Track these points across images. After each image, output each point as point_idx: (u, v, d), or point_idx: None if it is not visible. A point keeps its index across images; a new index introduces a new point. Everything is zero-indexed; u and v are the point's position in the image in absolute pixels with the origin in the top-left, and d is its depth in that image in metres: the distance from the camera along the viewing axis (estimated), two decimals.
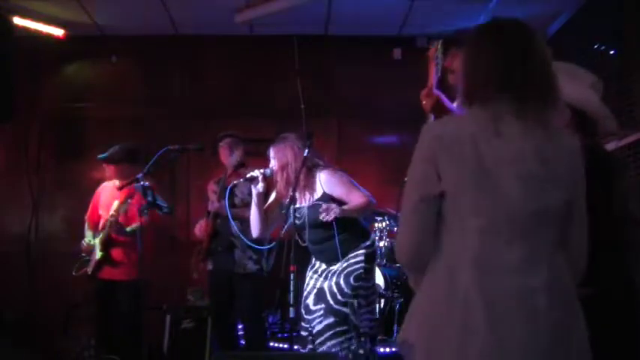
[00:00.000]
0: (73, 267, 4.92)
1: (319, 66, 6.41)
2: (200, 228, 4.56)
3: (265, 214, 3.75)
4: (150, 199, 4.18)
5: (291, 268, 3.38)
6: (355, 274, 3.58)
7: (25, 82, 5.90)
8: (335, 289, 3.56)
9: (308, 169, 3.66)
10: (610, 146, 4.33)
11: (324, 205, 3.48)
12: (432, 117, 2.79)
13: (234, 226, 4.02)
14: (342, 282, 3.57)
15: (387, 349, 4.56)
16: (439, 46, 2.71)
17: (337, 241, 3.57)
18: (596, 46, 5.04)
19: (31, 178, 6.16)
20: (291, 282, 3.38)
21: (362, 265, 3.60)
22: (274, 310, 5.42)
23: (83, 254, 4.90)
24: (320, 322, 3.53)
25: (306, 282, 3.78)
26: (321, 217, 3.47)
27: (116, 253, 4.77)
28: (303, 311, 3.65)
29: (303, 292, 3.73)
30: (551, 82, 1.72)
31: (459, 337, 1.58)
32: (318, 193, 3.66)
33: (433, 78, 2.75)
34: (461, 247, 1.64)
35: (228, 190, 3.92)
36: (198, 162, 5.78)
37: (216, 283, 4.60)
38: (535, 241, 1.64)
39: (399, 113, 5.98)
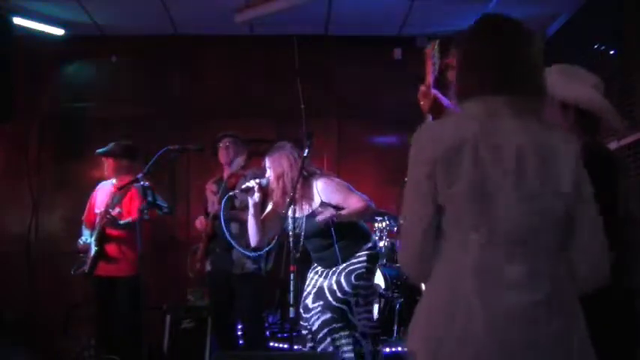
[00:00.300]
0: (72, 267, 4.93)
1: (319, 66, 6.41)
2: (201, 222, 4.55)
3: (262, 224, 3.73)
4: (150, 199, 4.18)
5: (291, 268, 3.38)
6: (356, 272, 3.59)
7: (25, 82, 5.88)
8: (335, 287, 3.58)
9: (304, 179, 3.64)
10: (610, 146, 4.34)
11: (320, 209, 3.49)
12: (429, 117, 2.78)
13: (232, 230, 4.01)
14: (342, 280, 3.58)
15: (387, 349, 4.56)
16: (436, 45, 2.71)
17: (337, 248, 3.57)
18: (596, 46, 5.04)
19: (31, 178, 6.16)
20: (291, 282, 3.38)
21: (364, 264, 3.62)
22: (274, 310, 5.43)
23: (80, 254, 4.91)
24: (318, 319, 3.54)
25: (307, 282, 3.79)
26: (317, 219, 3.47)
27: (111, 248, 4.78)
28: (302, 310, 3.66)
29: (303, 292, 3.74)
30: (543, 80, 1.71)
31: (461, 345, 1.57)
32: (316, 202, 3.66)
33: (430, 77, 2.75)
34: (462, 257, 1.62)
35: (224, 202, 3.90)
36: (198, 162, 5.77)
37: (215, 283, 4.60)
38: (536, 253, 1.61)
39: (399, 113, 5.96)
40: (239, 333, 4.72)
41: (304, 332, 3.66)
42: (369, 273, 3.68)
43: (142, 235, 4.26)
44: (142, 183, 4.13)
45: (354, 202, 3.59)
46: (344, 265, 3.62)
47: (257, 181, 3.68)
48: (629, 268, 2.14)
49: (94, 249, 4.77)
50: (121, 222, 4.74)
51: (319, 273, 3.75)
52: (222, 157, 4.63)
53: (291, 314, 3.42)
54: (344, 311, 3.54)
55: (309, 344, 3.61)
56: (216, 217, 4.44)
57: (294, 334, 3.74)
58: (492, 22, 1.77)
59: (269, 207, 3.80)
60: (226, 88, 6.39)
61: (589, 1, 5.23)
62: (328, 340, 3.49)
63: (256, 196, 3.65)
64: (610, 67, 4.86)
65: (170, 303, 5.26)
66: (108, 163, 4.92)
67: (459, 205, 1.62)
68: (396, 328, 4.89)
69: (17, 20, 5.50)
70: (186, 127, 6.03)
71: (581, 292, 1.67)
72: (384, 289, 5.00)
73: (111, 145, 4.90)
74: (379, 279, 4.95)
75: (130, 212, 4.84)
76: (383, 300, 4.95)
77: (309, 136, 3.64)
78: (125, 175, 4.82)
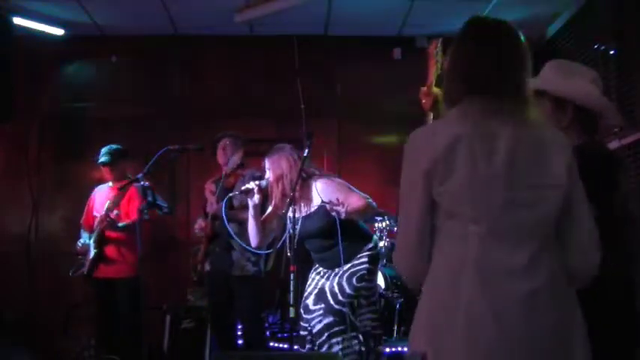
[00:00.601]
0: (70, 269, 4.93)
1: (319, 66, 6.40)
2: (199, 226, 4.55)
3: (263, 225, 3.74)
4: (150, 199, 4.19)
5: (291, 268, 3.38)
6: (358, 274, 3.58)
7: (25, 82, 5.88)
8: (336, 289, 3.57)
9: (303, 180, 3.64)
10: (611, 146, 4.34)
11: (329, 206, 3.49)
12: (431, 116, 2.78)
13: (231, 230, 4.02)
14: (344, 282, 3.57)
15: (387, 349, 4.56)
16: (439, 44, 2.70)
17: (340, 247, 3.55)
18: (596, 46, 5.04)
19: (31, 179, 6.16)
20: (291, 282, 3.38)
21: (365, 266, 3.61)
22: (274, 310, 5.42)
23: (79, 256, 4.91)
24: (320, 322, 3.54)
25: (308, 282, 3.78)
26: (330, 210, 3.47)
27: (110, 250, 4.80)
28: (302, 311, 3.66)
29: (304, 292, 3.73)
30: (528, 80, 1.75)
31: (465, 340, 1.59)
32: (315, 203, 3.66)
33: (432, 76, 2.75)
34: (462, 253, 1.65)
35: (224, 202, 3.91)
36: (198, 162, 5.77)
37: (214, 284, 4.59)
38: (532, 243, 1.65)
39: (399, 113, 5.98)
40: (239, 333, 4.72)
41: (303, 333, 3.65)
42: (371, 274, 3.67)
43: (142, 235, 4.26)
44: (141, 183, 4.13)
45: (355, 201, 3.59)
46: (346, 266, 3.61)
47: (257, 182, 3.69)
48: (628, 267, 2.14)
49: (93, 251, 4.77)
50: (120, 224, 4.76)
51: (321, 274, 3.74)
52: (220, 157, 4.63)
53: (291, 314, 3.42)
54: (346, 314, 3.53)
55: (308, 345, 3.61)
56: (215, 217, 4.44)
57: (294, 334, 3.73)
58: (479, 24, 1.83)
59: (269, 208, 3.80)
60: (226, 88, 6.38)
61: (589, 1, 5.23)
62: (329, 343, 3.49)
63: (256, 197, 3.65)
64: (610, 67, 4.86)
65: (170, 303, 5.25)
66: (105, 171, 4.97)
67: (457, 198, 1.65)
68: (396, 328, 4.89)
69: (17, 20, 5.50)
70: (186, 127, 6.03)
71: (573, 282, 1.71)
72: (384, 289, 5.00)
73: (106, 153, 4.90)
74: (379, 279, 4.94)
75: (128, 213, 4.86)
76: (383, 300, 4.95)
77: (309, 136, 3.63)
78: (123, 177, 4.87)
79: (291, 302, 3.39)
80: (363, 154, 6.30)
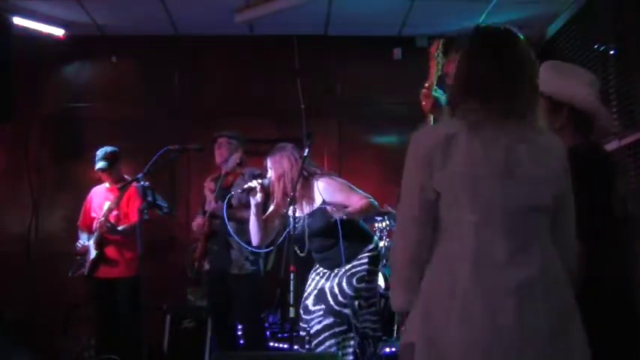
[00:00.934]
0: (70, 269, 4.93)
1: (319, 66, 6.40)
2: (197, 224, 4.55)
3: (265, 224, 3.75)
4: (150, 199, 4.18)
5: (291, 268, 3.38)
6: (358, 275, 3.58)
7: (25, 82, 5.89)
8: (336, 290, 3.57)
9: (304, 179, 3.65)
10: (610, 146, 4.33)
11: (329, 208, 3.50)
12: (431, 117, 2.79)
13: (231, 229, 4.03)
14: (344, 283, 3.57)
15: (387, 349, 4.56)
16: (440, 44, 2.71)
17: (342, 247, 3.56)
18: (596, 46, 5.04)
19: (31, 178, 6.16)
20: (292, 282, 3.38)
21: (365, 267, 3.61)
22: (274, 310, 5.42)
23: (78, 257, 4.91)
24: (319, 322, 3.53)
25: (308, 283, 3.79)
26: (329, 212, 3.48)
27: (111, 251, 4.81)
28: (301, 311, 3.66)
29: (304, 293, 3.73)
30: (531, 87, 1.80)
31: (461, 329, 1.62)
32: (317, 202, 3.67)
33: (433, 76, 2.75)
34: (459, 245, 1.69)
35: (226, 200, 3.93)
36: (198, 162, 5.77)
37: (213, 283, 4.58)
38: (527, 234, 1.70)
39: (399, 113, 5.98)
40: (239, 333, 4.71)
41: (302, 333, 3.65)
42: (371, 275, 3.67)
43: (142, 235, 4.27)
44: (141, 183, 4.13)
45: (356, 201, 3.59)
46: (346, 267, 3.61)
47: (259, 181, 3.70)
48: (626, 267, 2.14)
49: (94, 252, 4.77)
50: (120, 228, 4.76)
51: (321, 274, 3.74)
52: (217, 156, 4.64)
53: (291, 314, 3.42)
54: (346, 315, 3.53)
55: (307, 346, 3.60)
56: (214, 215, 4.44)
57: (294, 334, 3.73)
58: (483, 31, 1.88)
59: (271, 207, 3.81)
60: (226, 88, 6.38)
61: (589, 1, 5.23)
62: (327, 343, 3.49)
63: (259, 196, 3.67)
64: (610, 67, 4.86)
65: (170, 303, 5.26)
66: (103, 176, 5.00)
67: (454, 187, 1.70)
68: (396, 328, 4.89)
69: (17, 20, 5.50)
70: (186, 127, 6.03)
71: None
72: (384, 289, 5.00)
73: (102, 159, 4.91)
74: (380, 279, 4.94)
75: (128, 214, 4.86)
76: (383, 300, 4.95)
77: (309, 136, 3.66)
78: (120, 178, 4.89)
79: (291, 302, 3.39)
80: (364, 154, 6.30)
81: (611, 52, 4.86)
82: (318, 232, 3.64)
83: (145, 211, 4.21)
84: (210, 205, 4.48)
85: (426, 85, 2.77)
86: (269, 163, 3.78)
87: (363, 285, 3.59)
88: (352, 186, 3.72)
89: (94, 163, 4.99)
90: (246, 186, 3.75)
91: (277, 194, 3.73)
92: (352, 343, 3.52)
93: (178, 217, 5.85)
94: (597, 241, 2.01)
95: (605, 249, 2.04)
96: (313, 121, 6.09)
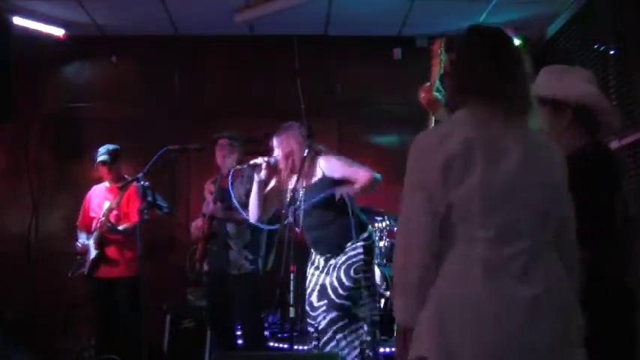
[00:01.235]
0: (69, 269, 4.92)
1: (319, 66, 6.41)
2: (196, 226, 4.55)
3: (264, 201, 3.84)
4: (150, 199, 4.18)
5: (291, 267, 3.39)
6: (355, 266, 3.62)
7: (25, 82, 5.89)
8: (336, 284, 3.60)
9: (311, 157, 3.72)
10: (611, 146, 4.33)
11: (338, 194, 3.57)
12: (431, 116, 2.79)
13: (230, 228, 4.04)
14: (342, 275, 3.60)
15: (387, 349, 4.55)
16: (442, 43, 2.71)
17: (352, 221, 3.62)
18: (596, 46, 5.04)
19: (31, 178, 6.16)
20: (292, 282, 3.39)
21: (361, 257, 3.65)
22: (274, 310, 5.42)
23: (78, 256, 4.91)
24: (324, 318, 3.58)
25: (308, 279, 3.80)
26: (335, 193, 3.57)
27: (111, 251, 4.81)
28: (307, 308, 3.70)
29: (305, 290, 3.76)
30: (528, 87, 1.80)
31: (471, 337, 1.60)
32: (317, 177, 3.74)
33: (436, 74, 2.75)
34: (470, 256, 1.65)
35: (230, 178, 4.04)
36: (198, 162, 5.77)
37: (212, 284, 4.57)
38: (537, 249, 1.67)
39: (399, 113, 5.98)
40: (238, 333, 4.71)
41: (311, 330, 3.68)
42: (368, 264, 3.71)
43: (142, 235, 4.27)
44: (141, 183, 4.13)
45: (362, 175, 3.66)
46: (342, 259, 3.63)
47: (265, 159, 3.76)
48: (628, 268, 2.14)
49: (94, 252, 4.77)
50: (121, 228, 4.76)
51: (319, 268, 3.76)
52: (217, 157, 4.64)
53: (291, 314, 3.43)
54: (349, 307, 3.57)
55: (314, 342, 3.62)
56: (212, 217, 4.44)
57: (294, 334, 3.74)
58: (480, 31, 1.87)
59: (271, 184, 3.89)
60: (226, 88, 6.38)
61: (589, 1, 5.23)
62: (335, 339, 3.52)
63: (263, 173, 3.76)
64: (610, 67, 4.86)
65: (170, 303, 5.26)
66: (103, 171, 4.97)
67: (467, 203, 1.66)
68: (396, 328, 4.87)
69: (17, 20, 5.51)
70: (186, 127, 6.03)
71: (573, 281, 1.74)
72: (384, 289, 5.00)
73: (104, 153, 4.91)
74: (379, 279, 4.94)
75: (128, 214, 4.86)
76: (383, 300, 4.94)
77: (309, 130, 3.72)
78: (119, 177, 4.88)
79: (291, 302, 3.40)
80: (364, 154, 6.25)
81: (611, 52, 4.87)
82: (318, 205, 3.66)
83: (145, 211, 4.20)
84: (209, 206, 4.48)
85: (429, 83, 2.77)
86: (276, 141, 3.85)
87: (360, 275, 3.63)
88: (354, 162, 3.79)
89: (94, 163, 4.99)
90: (252, 162, 3.80)
91: (283, 172, 3.80)
92: (360, 332, 3.56)
93: (178, 217, 5.85)
94: (599, 241, 2.01)
95: (606, 249, 2.04)
96: (313, 121, 6.07)
